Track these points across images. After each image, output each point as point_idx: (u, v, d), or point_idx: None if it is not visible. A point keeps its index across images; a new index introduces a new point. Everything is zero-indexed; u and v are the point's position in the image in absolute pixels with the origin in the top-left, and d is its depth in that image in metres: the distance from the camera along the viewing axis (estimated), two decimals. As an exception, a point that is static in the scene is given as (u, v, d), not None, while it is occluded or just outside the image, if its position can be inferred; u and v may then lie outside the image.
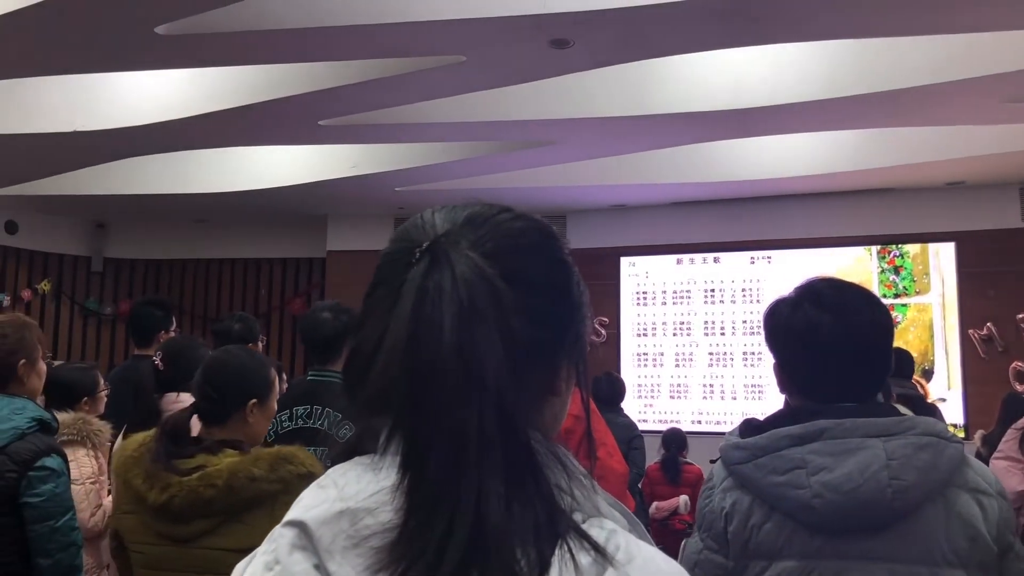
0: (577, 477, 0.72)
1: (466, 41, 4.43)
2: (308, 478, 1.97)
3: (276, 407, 2.24)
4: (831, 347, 1.49)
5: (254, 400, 2.09)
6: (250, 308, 8.92)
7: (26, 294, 8.76)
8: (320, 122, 5.73)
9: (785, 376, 1.58)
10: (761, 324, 1.63)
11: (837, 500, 1.39)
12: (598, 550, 0.68)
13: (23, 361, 2.48)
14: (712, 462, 1.68)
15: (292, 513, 0.73)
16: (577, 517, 0.70)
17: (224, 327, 3.60)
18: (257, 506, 1.93)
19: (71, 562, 2.43)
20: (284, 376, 4.86)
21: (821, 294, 1.54)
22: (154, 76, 5.48)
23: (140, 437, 2.10)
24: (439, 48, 4.58)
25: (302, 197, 7.71)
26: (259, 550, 0.74)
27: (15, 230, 8.58)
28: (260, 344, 3.71)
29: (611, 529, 0.71)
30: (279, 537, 0.72)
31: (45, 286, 8.94)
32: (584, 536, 0.68)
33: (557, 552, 0.67)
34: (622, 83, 5.42)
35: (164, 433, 2.02)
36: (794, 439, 1.45)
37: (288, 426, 2.75)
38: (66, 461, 2.52)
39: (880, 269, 7.47)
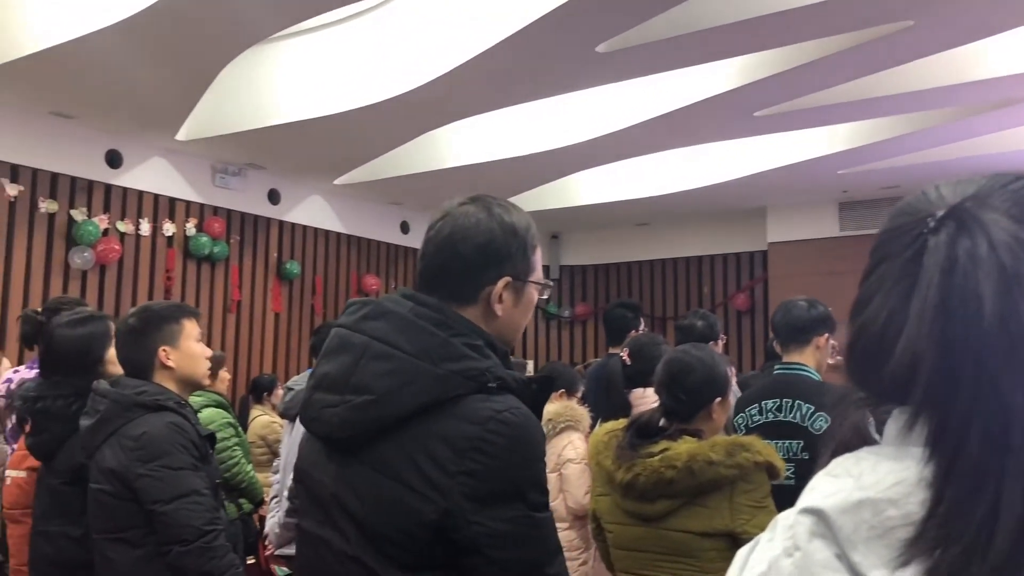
0: None
1: (915, 1, 4.06)
2: (765, 466, 2.01)
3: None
4: None
5: (719, 399, 2.20)
6: (694, 304, 9.10)
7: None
8: (756, 113, 5.66)
9: None
10: None
11: None
12: None
13: None
14: None
15: (807, 500, 0.71)
16: None
17: (687, 324, 3.72)
18: (716, 490, 2.03)
19: None
20: (733, 370, 4.87)
21: None
22: (593, 91, 5.85)
23: (609, 425, 2.34)
24: (882, 16, 4.27)
25: (739, 190, 7.69)
26: (762, 536, 0.74)
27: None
28: (721, 342, 3.75)
29: None
30: (796, 524, 0.71)
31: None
32: None
33: None
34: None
35: (634, 425, 2.21)
36: None
37: (759, 419, 2.77)
38: None
39: None
